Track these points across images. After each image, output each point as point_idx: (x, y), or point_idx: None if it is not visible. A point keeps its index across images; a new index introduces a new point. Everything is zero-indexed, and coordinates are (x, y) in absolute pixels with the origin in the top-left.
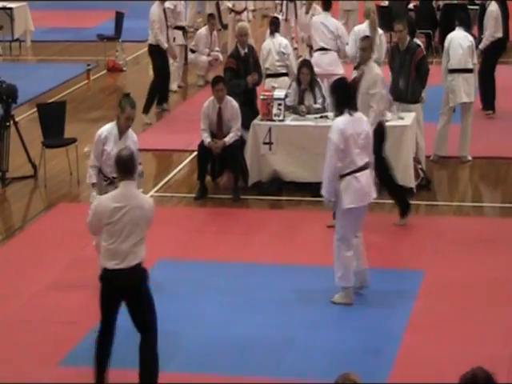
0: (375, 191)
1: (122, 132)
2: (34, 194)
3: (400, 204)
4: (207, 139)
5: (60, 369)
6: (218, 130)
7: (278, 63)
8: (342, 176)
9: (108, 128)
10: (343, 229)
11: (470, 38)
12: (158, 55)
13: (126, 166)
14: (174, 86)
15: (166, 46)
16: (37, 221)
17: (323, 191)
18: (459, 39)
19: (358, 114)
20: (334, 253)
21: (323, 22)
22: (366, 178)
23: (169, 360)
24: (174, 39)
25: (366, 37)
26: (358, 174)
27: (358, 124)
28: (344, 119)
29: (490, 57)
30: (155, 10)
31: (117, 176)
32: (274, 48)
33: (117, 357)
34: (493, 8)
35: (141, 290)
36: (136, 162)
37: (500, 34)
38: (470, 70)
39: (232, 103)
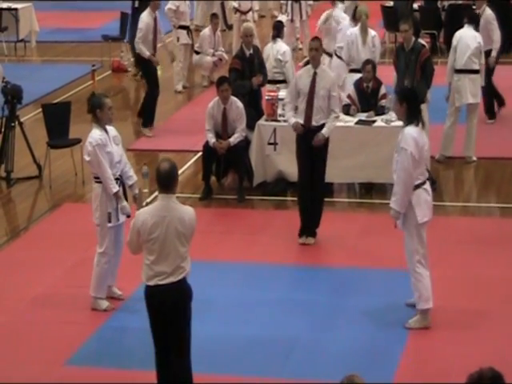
0: None
1: (105, 128)
2: (39, 194)
3: (318, 222)
4: (212, 139)
5: (66, 369)
6: (222, 131)
7: (274, 70)
8: (413, 189)
9: (98, 133)
10: (421, 245)
11: (479, 39)
12: (145, 64)
13: (165, 180)
14: (178, 86)
15: (147, 54)
16: (42, 221)
17: (395, 204)
18: (468, 39)
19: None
20: (411, 274)
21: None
22: (430, 188)
23: None
24: (178, 39)
25: (316, 37)
26: (426, 186)
27: (423, 134)
28: (416, 129)
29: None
30: (144, 17)
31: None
32: (272, 54)
33: (118, 358)
34: (489, 12)
35: (183, 309)
36: (177, 175)
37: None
38: (476, 71)
39: (237, 104)
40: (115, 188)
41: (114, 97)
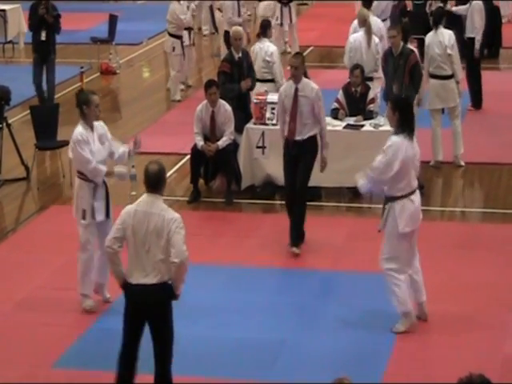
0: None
1: (91, 126)
2: (27, 196)
3: (301, 231)
4: (200, 142)
5: (53, 371)
6: (211, 134)
7: (263, 70)
8: (398, 198)
9: (80, 130)
10: (397, 253)
11: (446, 43)
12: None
13: (153, 181)
14: (176, 96)
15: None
16: (29, 223)
17: (362, 184)
18: (436, 47)
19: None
20: (387, 281)
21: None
22: (418, 198)
23: None
24: (174, 49)
25: (298, 53)
26: (412, 196)
27: (413, 145)
28: (403, 140)
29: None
30: None
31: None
32: (260, 55)
33: (106, 360)
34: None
35: (162, 312)
36: (165, 177)
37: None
38: (447, 77)
39: (225, 107)
40: (102, 170)
41: (103, 99)
